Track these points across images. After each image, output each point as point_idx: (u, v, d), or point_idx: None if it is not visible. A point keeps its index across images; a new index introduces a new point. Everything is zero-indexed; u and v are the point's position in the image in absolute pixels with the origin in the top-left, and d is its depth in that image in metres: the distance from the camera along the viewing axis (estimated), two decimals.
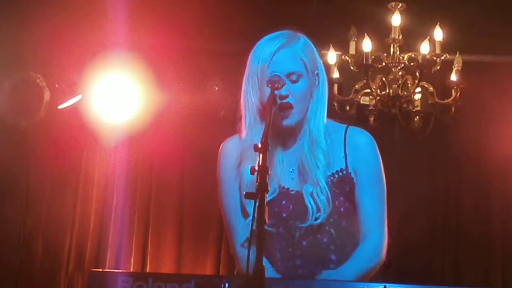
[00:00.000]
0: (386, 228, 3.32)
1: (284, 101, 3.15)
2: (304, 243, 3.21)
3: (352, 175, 3.27)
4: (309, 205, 3.20)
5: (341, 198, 3.25)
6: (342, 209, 3.26)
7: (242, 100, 3.28)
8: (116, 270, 3.31)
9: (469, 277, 6.91)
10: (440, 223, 7.14)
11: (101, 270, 2.87)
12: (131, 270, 6.78)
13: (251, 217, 3.19)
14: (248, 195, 2.64)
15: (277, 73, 3.12)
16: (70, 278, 6.87)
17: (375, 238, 3.27)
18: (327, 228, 3.22)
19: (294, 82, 3.17)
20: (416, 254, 6.88)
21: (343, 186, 3.26)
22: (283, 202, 3.23)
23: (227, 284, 2.69)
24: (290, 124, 3.21)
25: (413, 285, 2.67)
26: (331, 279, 3.05)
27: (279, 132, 3.23)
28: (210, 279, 2.78)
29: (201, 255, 6.98)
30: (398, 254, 6.79)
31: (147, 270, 6.77)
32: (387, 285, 2.67)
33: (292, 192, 3.25)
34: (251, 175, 2.70)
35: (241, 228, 3.28)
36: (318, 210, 3.19)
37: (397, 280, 2.74)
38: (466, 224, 7.05)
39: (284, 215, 3.21)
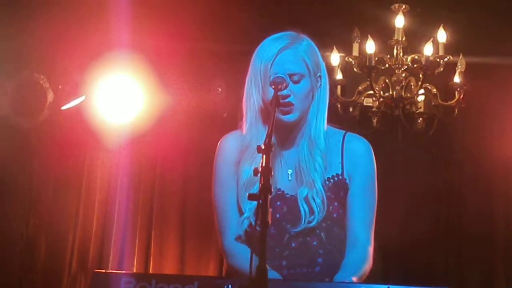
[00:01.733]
0: (373, 236, 3.29)
1: (285, 100, 3.16)
2: (293, 244, 3.22)
3: (347, 181, 3.28)
4: (302, 210, 3.21)
5: (335, 203, 3.26)
6: (335, 215, 3.26)
7: (244, 100, 3.30)
8: (119, 271, 3.32)
9: (471, 277, 6.90)
10: (442, 224, 7.14)
11: (104, 271, 2.88)
12: (134, 271, 6.79)
13: (245, 214, 3.22)
14: (251, 197, 2.64)
15: (281, 75, 3.14)
16: (73, 279, 6.87)
17: (364, 245, 3.25)
18: (317, 231, 3.23)
19: (296, 82, 3.19)
20: (419, 254, 6.88)
21: (337, 191, 3.27)
22: (278, 203, 3.23)
23: (230, 285, 2.69)
24: (290, 120, 3.22)
25: (415, 287, 2.66)
26: (333, 282, 3.05)
27: (279, 131, 3.24)
28: (213, 280, 2.78)
29: (204, 256, 6.99)
30: (401, 254, 6.81)
31: (150, 271, 6.78)
32: (390, 286, 2.66)
33: (287, 196, 3.26)
34: (254, 176, 2.69)
35: (234, 224, 3.28)
36: (312, 213, 3.21)
37: (400, 279, 2.74)
38: (469, 224, 7.05)
39: (277, 216, 3.21)
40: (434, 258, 7.04)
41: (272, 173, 2.69)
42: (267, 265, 2.52)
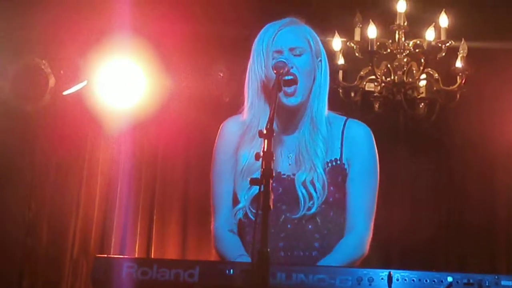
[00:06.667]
0: (372, 222, 3.29)
1: (288, 76, 3.17)
2: (289, 226, 3.22)
3: (346, 166, 3.28)
4: (300, 194, 3.21)
5: (332, 188, 3.25)
6: (331, 199, 3.25)
7: (246, 83, 3.32)
8: (121, 256, 3.32)
9: (473, 266, 6.88)
10: (444, 210, 7.12)
11: (106, 255, 2.88)
12: (136, 256, 6.79)
13: (240, 204, 3.22)
14: (253, 181, 2.63)
15: (283, 59, 3.14)
16: (75, 263, 6.88)
17: (360, 231, 3.26)
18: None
19: (297, 55, 3.22)
20: (420, 243, 6.86)
21: (335, 176, 3.27)
22: (274, 184, 3.21)
23: (231, 270, 2.70)
24: (293, 103, 3.23)
25: (417, 271, 2.66)
26: (335, 266, 3.05)
27: (281, 116, 3.26)
28: (215, 265, 2.78)
29: (206, 241, 6.97)
30: (402, 243, 6.80)
31: (152, 256, 6.78)
32: (392, 271, 2.66)
33: (284, 176, 3.26)
34: (256, 160, 2.68)
35: (227, 213, 3.31)
36: (311, 198, 3.20)
37: (401, 268, 2.73)
38: (470, 211, 7.04)
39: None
40: (436, 246, 7.02)
41: (274, 158, 2.69)
42: (268, 250, 2.51)
